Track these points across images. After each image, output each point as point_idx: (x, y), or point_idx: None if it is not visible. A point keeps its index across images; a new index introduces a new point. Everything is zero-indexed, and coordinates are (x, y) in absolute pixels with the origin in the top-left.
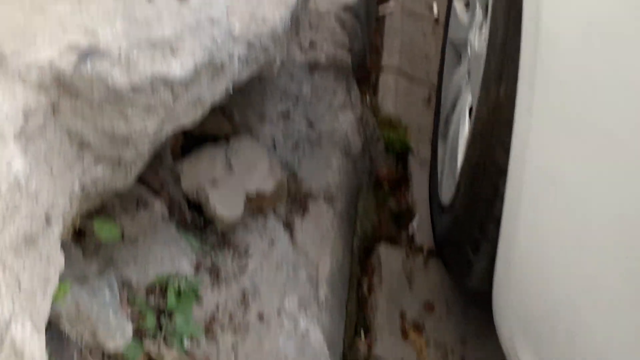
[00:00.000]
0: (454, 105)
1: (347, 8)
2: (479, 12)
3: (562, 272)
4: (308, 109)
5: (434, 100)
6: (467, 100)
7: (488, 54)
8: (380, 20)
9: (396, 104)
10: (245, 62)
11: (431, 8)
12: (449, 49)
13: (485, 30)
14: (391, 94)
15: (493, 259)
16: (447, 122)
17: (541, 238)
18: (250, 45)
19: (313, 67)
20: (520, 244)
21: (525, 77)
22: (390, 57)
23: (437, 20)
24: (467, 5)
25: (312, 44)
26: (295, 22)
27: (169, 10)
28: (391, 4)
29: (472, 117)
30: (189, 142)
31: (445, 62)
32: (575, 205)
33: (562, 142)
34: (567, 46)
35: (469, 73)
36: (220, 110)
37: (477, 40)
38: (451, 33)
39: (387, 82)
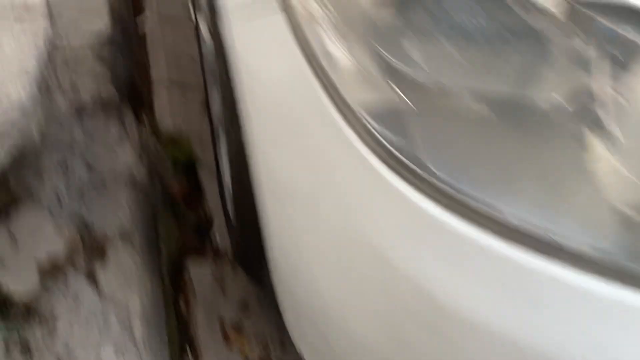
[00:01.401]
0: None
1: (101, 37)
2: None
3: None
4: (85, 154)
5: None
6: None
7: None
8: (142, 36)
9: (174, 117)
10: None
11: (187, 9)
12: None
13: None
14: (167, 108)
15: None
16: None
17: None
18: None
19: (80, 110)
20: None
21: None
22: (158, 70)
23: (197, 24)
24: None
25: (73, 86)
26: (46, 82)
27: None
28: (147, 13)
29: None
30: None
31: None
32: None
33: None
34: None
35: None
36: None
37: None
38: None
39: (161, 97)
